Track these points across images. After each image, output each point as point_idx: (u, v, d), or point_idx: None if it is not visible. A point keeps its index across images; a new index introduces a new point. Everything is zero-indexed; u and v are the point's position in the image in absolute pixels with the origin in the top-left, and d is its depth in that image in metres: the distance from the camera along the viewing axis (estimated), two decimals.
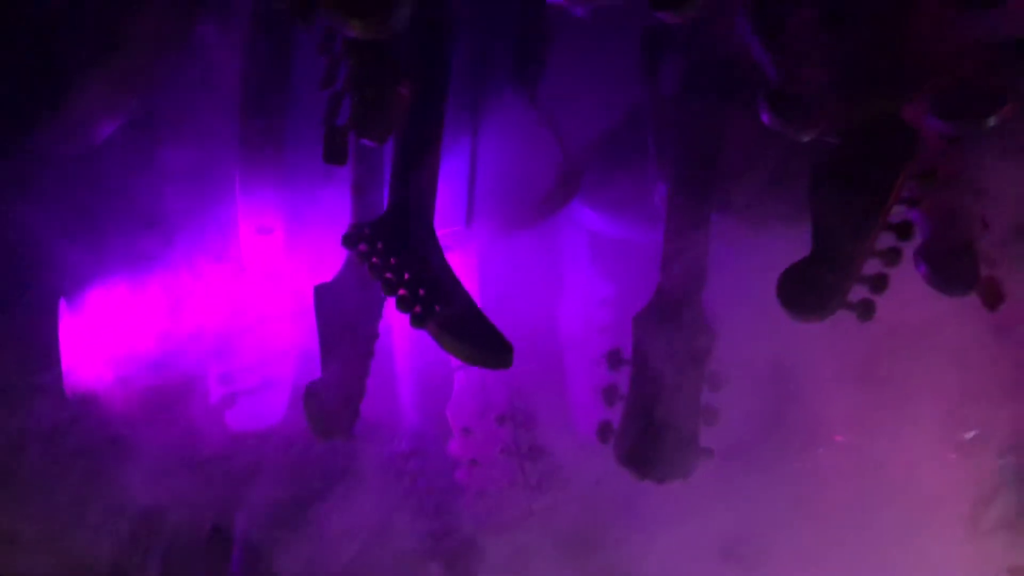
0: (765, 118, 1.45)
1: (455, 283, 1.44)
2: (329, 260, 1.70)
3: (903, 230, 1.27)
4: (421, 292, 1.39)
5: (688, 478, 1.52)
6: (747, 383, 1.86)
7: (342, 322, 1.56)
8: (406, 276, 1.40)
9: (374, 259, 1.42)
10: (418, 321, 1.38)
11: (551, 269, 2.03)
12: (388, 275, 1.40)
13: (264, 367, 1.89)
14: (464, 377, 1.82)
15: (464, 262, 1.81)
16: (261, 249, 1.84)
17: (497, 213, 1.72)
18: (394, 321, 1.94)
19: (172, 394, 1.94)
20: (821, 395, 1.96)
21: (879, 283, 1.26)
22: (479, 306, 1.63)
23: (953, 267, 1.56)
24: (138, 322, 1.95)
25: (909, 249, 1.52)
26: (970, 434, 2.12)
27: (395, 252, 1.42)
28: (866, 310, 1.25)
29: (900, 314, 1.86)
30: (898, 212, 1.35)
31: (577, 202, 1.89)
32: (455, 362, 1.85)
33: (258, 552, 1.96)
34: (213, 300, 1.92)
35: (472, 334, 1.39)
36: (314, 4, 1.21)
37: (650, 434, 1.50)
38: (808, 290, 1.25)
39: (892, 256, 1.27)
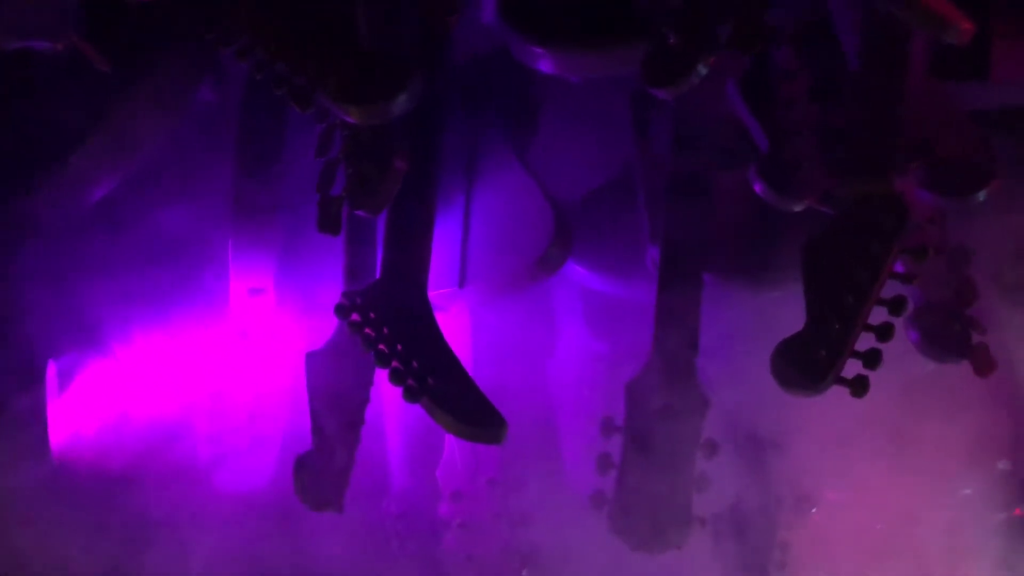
0: (757, 188, 1.46)
1: (449, 355, 1.43)
2: (321, 321, 1.69)
3: (896, 305, 1.27)
4: (415, 364, 1.38)
5: (682, 547, 1.50)
6: (738, 444, 1.85)
7: (333, 391, 1.54)
8: (399, 348, 1.39)
9: (367, 330, 1.41)
10: (411, 395, 1.37)
11: (543, 326, 2.02)
12: (381, 346, 1.39)
13: (253, 427, 1.87)
14: (456, 439, 1.80)
15: (456, 323, 1.80)
16: (252, 310, 1.83)
17: (490, 274, 1.71)
18: (384, 382, 1.93)
19: (160, 455, 1.91)
20: (813, 454, 1.96)
21: (872, 359, 1.26)
22: (472, 367, 1.62)
23: (945, 335, 1.57)
24: (127, 383, 1.94)
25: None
26: (966, 492, 2.12)
27: (388, 322, 1.41)
28: (860, 386, 1.25)
29: (896, 371, 1.87)
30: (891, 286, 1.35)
31: (569, 260, 1.89)
32: None
33: None
34: (203, 360, 1.90)
35: (466, 410, 1.38)
36: (313, 90, 1.22)
37: (645, 504, 1.48)
38: (802, 367, 1.25)
39: (886, 331, 1.27)
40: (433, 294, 1.59)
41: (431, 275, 1.60)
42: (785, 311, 1.42)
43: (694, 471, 1.51)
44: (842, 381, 1.27)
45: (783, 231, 1.64)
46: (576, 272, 1.94)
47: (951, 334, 1.58)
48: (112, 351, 1.93)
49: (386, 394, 1.91)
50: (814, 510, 2.09)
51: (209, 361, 1.90)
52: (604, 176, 1.96)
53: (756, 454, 1.96)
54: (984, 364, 1.66)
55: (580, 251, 1.85)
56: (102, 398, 1.93)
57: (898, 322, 1.60)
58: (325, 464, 1.53)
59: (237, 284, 1.83)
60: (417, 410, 1.88)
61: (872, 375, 1.85)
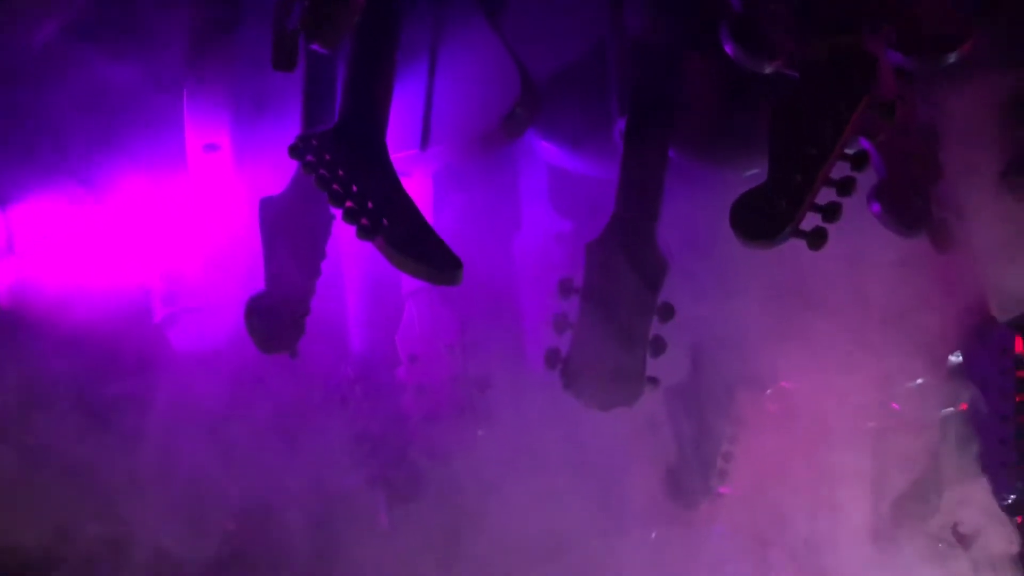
0: (728, 48, 1.43)
1: (404, 197, 1.41)
2: (278, 179, 1.66)
3: (858, 160, 1.26)
4: (369, 205, 1.35)
5: (632, 405, 1.52)
6: (695, 321, 1.87)
7: (288, 236, 1.52)
8: (354, 188, 1.36)
9: (321, 170, 1.38)
10: (365, 234, 1.35)
11: (508, 202, 2.00)
12: (335, 187, 1.36)
13: (210, 288, 1.85)
14: (414, 304, 1.79)
15: (419, 188, 1.78)
16: (208, 167, 1.79)
17: (453, 137, 1.68)
18: (344, 246, 1.90)
19: (113, 312, 1.89)
20: (770, 338, 1.98)
21: (832, 212, 1.25)
22: None
23: (906, 208, 1.57)
24: (79, 238, 1.90)
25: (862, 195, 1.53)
26: (916, 383, 2.16)
27: (343, 163, 1.38)
28: (818, 238, 1.25)
29: (852, 264, 1.89)
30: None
31: (537, 135, 1.86)
32: (406, 288, 1.83)
33: (199, 480, 1.93)
34: (158, 218, 1.87)
35: (421, 250, 1.37)
36: None
37: (597, 361, 1.49)
38: (760, 216, 1.25)
39: (847, 185, 1.26)
40: (395, 156, 1.55)
41: (394, 136, 1.57)
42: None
43: (648, 333, 1.51)
44: (800, 233, 1.27)
45: (752, 110, 1.62)
46: (543, 149, 1.91)
47: (913, 208, 1.58)
48: (63, 205, 1.88)
49: (346, 259, 1.90)
50: (768, 391, 2.12)
51: (164, 220, 1.86)
52: (576, 51, 1.91)
53: (714, 336, 1.97)
54: (943, 240, 1.67)
55: (549, 126, 1.82)
56: (53, 252, 1.89)
57: (863, 212, 1.61)
58: (278, 306, 1.51)
59: (193, 140, 1.78)
60: (376, 274, 1.87)
61: (830, 268, 1.87)
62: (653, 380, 1.52)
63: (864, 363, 2.03)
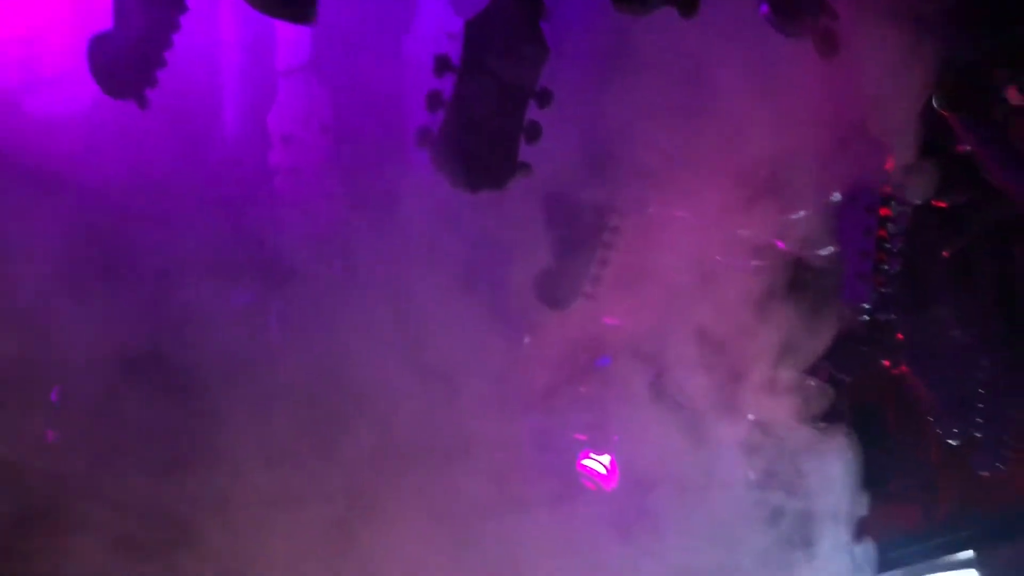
0: None
1: None
2: None
3: None
4: None
5: (502, 188, 1.49)
6: (581, 119, 1.82)
7: None
8: None
9: None
10: None
11: None
12: None
13: (71, 55, 1.71)
14: (288, 83, 1.71)
15: None
16: None
17: None
18: (224, 25, 1.79)
19: None
20: (661, 158, 1.95)
21: None
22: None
23: (794, 9, 1.54)
24: None
25: None
26: (799, 214, 2.17)
27: None
28: (688, 5, 1.21)
29: (749, 94, 1.85)
30: None
31: None
32: (280, 67, 1.74)
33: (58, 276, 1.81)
34: None
35: None
36: None
37: (468, 141, 1.45)
38: None
39: None
40: None
41: None
42: None
43: (524, 116, 1.47)
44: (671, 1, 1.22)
45: None
46: None
47: (800, 10, 1.56)
48: None
49: (223, 32, 1.78)
50: (651, 209, 2.12)
51: None
52: None
53: (601, 141, 1.93)
54: (827, 46, 1.66)
55: None
56: None
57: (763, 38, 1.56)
58: (125, 45, 1.41)
59: None
60: (249, 48, 1.76)
61: (729, 97, 1.81)
62: (525, 166, 1.49)
63: (754, 197, 2.04)
